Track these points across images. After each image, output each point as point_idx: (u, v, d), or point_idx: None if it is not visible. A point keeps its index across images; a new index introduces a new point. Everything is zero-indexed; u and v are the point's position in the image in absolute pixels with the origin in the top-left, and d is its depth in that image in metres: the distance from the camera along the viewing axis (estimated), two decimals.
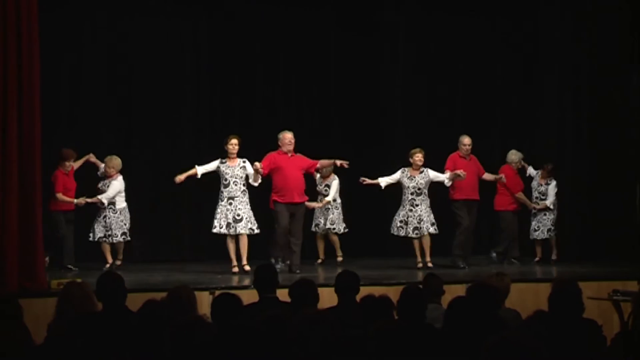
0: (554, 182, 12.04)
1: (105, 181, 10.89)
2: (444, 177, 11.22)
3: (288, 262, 10.58)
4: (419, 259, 11.10)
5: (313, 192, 11.56)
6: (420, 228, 11.06)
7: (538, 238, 12.09)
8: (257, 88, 13.18)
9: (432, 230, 11.10)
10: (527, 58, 13.44)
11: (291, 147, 10.67)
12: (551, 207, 11.97)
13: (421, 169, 11.15)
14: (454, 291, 5.80)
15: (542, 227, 12.00)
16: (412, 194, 11.11)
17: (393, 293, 5.40)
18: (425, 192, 11.15)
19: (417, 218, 11.08)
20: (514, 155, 12.14)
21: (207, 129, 12.74)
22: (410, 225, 11.08)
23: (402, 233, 11.17)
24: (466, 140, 11.53)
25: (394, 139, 13.19)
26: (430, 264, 11.04)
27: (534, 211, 12.02)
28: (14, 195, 8.38)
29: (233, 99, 13.08)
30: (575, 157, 12.77)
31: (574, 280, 5.72)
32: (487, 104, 13.72)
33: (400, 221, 11.14)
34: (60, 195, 10.60)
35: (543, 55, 13.18)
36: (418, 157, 11.13)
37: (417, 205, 11.09)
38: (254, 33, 12.97)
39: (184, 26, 12.85)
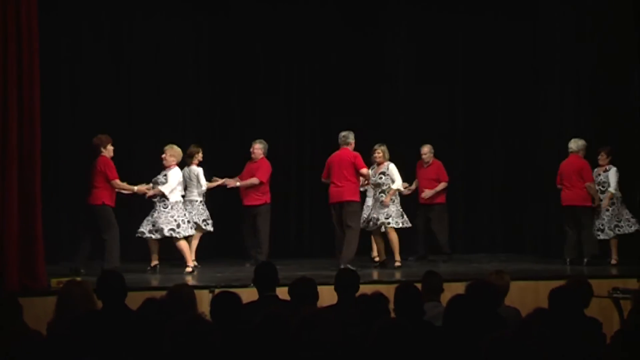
0: (613, 169, 11.33)
1: (163, 172, 10.36)
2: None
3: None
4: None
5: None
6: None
7: (600, 238, 11.23)
8: (259, 86, 13.16)
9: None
10: (528, 57, 13.42)
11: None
12: (613, 191, 11.15)
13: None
14: (454, 289, 5.78)
15: (601, 226, 11.23)
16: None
17: (394, 292, 5.38)
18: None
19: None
20: (580, 142, 11.39)
21: (208, 129, 12.76)
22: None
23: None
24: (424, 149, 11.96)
25: (397, 135, 13.15)
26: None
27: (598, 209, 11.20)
28: (14, 192, 8.36)
29: (234, 98, 13.08)
30: None
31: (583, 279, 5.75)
32: (488, 104, 13.73)
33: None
34: (117, 182, 10.01)
35: (544, 54, 13.16)
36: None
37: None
38: (255, 31, 12.97)
39: (185, 24, 12.84)
